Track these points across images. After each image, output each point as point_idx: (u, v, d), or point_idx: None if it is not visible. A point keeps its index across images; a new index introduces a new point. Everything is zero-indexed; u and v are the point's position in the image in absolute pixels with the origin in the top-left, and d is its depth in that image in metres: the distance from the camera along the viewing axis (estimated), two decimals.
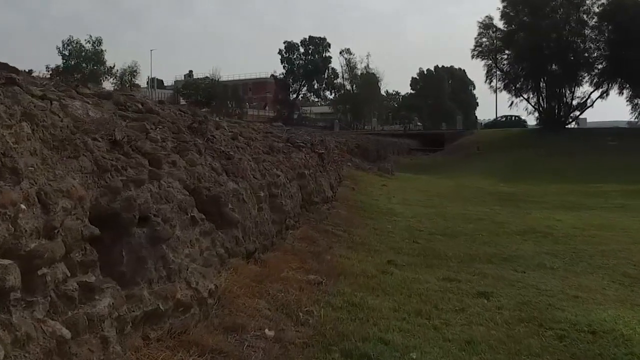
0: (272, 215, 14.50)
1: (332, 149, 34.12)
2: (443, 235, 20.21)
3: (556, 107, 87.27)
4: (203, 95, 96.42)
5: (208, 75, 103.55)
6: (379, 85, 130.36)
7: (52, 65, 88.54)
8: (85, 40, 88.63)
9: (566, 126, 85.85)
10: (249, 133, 18.04)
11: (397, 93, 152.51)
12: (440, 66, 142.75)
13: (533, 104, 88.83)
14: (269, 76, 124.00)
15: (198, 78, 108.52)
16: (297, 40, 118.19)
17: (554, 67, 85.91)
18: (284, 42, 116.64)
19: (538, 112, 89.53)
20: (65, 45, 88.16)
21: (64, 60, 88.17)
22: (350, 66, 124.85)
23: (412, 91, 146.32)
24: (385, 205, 25.93)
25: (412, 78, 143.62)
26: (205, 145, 11.81)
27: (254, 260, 11.92)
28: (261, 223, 12.72)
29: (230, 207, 10.89)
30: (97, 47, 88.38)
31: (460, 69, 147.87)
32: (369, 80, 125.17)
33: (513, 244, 18.63)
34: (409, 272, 13.62)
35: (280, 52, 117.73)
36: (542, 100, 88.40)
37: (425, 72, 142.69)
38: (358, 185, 34.28)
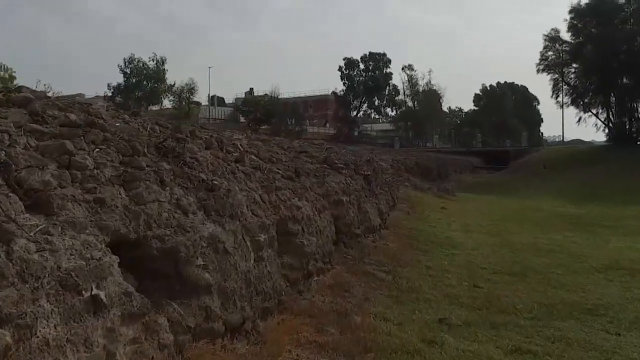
0: (285, 261, 11.10)
1: (385, 169, 29.79)
2: (510, 274, 16.39)
3: (627, 122, 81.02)
4: (262, 112, 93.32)
5: (267, 93, 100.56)
6: (441, 101, 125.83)
7: (114, 83, 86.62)
8: (149, 58, 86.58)
9: (638, 142, 79.44)
10: (269, 154, 14.20)
11: (460, 110, 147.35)
12: (502, 82, 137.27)
13: (602, 119, 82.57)
14: (329, 93, 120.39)
15: (258, 95, 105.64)
16: (358, 57, 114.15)
17: (624, 80, 79.99)
18: (344, 59, 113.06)
19: (607, 128, 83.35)
20: (127, 64, 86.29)
21: (125, 79, 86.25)
22: (411, 82, 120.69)
23: (475, 107, 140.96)
24: (443, 232, 22.02)
25: (475, 94, 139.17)
26: (175, 171, 7.92)
27: (244, 334, 8.00)
28: (259, 279, 8.83)
29: (199, 264, 6.94)
30: (160, 66, 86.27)
31: (522, 85, 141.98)
32: (431, 96, 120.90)
33: (596, 287, 14.93)
34: (465, 339, 9.87)
35: (340, 68, 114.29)
36: (612, 115, 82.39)
37: (489, 88, 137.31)
38: (414, 208, 29.97)
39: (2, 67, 57.27)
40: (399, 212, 26.90)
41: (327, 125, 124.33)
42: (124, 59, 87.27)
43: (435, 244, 20.54)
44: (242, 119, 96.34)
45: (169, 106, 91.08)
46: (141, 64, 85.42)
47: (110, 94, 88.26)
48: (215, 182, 9.14)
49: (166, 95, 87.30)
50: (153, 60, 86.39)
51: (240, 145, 13.75)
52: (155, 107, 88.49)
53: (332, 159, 18.31)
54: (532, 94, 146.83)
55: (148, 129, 9.69)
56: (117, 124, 9.00)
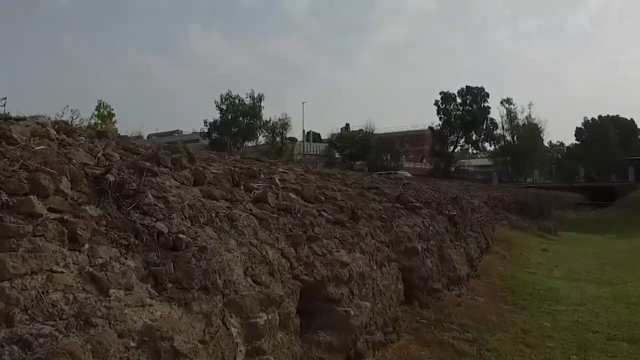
0: (322, 340, 7.99)
1: (478, 207, 25.58)
2: (630, 340, 12.11)
3: None
4: (357, 148, 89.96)
5: (362, 128, 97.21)
6: (541, 135, 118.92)
7: (210, 120, 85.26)
8: (246, 95, 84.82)
9: None
10: (320, 191, 10.71)
11: (561, 144, 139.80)
12: (604, 115, 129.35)
13: None
14: (425, 128, 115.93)
15: (353, 131, 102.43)
16: (454, 91, 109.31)
17: None
18: (440, 93, 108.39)
19: None
20: (223, 100, 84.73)
21: (221, 115, 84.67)
22: (510, 116, 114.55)
23: (577, 142, 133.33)
24: (544, 282, 18.25)
25: (577, 128, 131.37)
26: (112, 219, 4.62)
27: None
28: None
29: None
30: (256, 103, 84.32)
31: (630, 119, 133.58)
32: (531, 130, 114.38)
33: None
34: None
35: (436, 102, 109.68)
36: None
37: (590, 121, 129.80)
38: (511, 250, 25.63)
39: (102, 105, 55.97)
40: (494, 256, 22.78)
41: (424, 160, 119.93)
42: (221, 95, 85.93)
43: (535, 298, 16.37)
44: (337, 155, 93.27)
45: (264, 142, 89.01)
46: (237, 100, 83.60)
47: (206, 130, 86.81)
48: (182, 236, 5.65)
49: (261, 131, 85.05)
50: (250, 96, 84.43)
51: (279, 179, 10.22)
52: (250, 143, 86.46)
53: (406, 197, 14.56)
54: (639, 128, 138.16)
55: (99, 155, 6.28)
56: (37, 147, 5.64)
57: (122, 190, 5.92)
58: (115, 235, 5.47)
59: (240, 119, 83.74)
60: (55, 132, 6.66)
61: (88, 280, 4.88)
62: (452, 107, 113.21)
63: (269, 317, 6.36)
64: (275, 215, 8.17)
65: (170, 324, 5.16)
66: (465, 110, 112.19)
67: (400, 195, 14.98)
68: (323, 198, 10.83)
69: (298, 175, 12.89)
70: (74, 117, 9.51)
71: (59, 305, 4.48)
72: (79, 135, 7.10)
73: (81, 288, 4.76)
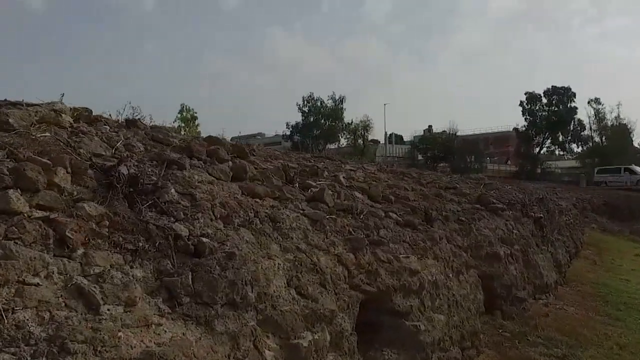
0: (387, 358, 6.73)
1: (567, 209, 23.85)
2: None
3: None
4: (440, 149, 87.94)
5: (445, 130, 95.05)
6: (631, 136, 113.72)
7: (292, 122, 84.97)
8: (328, 97, 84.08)
9: None
10: (390, 190, 9.59)
11: None
12: None
13: None
14: (510, 129, 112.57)
15: (436, 132, 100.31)
16: (540, 91, 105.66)
17: None
18: (526, 93, 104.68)
19: None
20: (305, 102, 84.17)
21: (303, 117, 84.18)
22: (598, 117, 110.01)
23: None
24: None
25: None
26: (119, 218, 3.82)
27: None
28: None
29: None
30: (338, 105, 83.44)
31: None
32: (620, 131, 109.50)
33: None
34: None
35: (521, 103, 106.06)
36: None
37: None
38: (602, 255, 23.83)
39: (185, 108, 56.25)
40: (583, 262, 21.13)
41: (509, 162, 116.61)
42: (303, 98, 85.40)
43: (630, 308, 14.87)
44: (419, 157, 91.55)
45: (346, 145, 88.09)
46: (319, 103, 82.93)
47: (288, 133, 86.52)
48: (205, 240, 4.59)
49: (343, 133, 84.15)
50: (331, 98, 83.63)
51: (344, 177, 9.11)
52: (332, 146, 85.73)
53: (487, 198, 13.21)
54: None
55: (118, 145, 5.31)
56: (39, 135, 4.69)
57: (136, 185, 4.90)
58: (120, 239, 4.45)
59: (322, 121, 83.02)
60: (71, 120, 5.72)
61: (74, 295, 3.87)
62: (537, 108, 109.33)
63: (316, 337, 5.26)
64: (333, 216, 7.06)
65: (183, 349, 4.11)
66: (551, 110, 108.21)
67: (481, 195, 13.66)
68: (393, 198, 9.67)
69: (368, 174, 11.76)
70: (134, 114, 8.80)
71: (26, 328, 3.46)
72: (104, 124, 6.17)
73: (62, 304, 3.75)
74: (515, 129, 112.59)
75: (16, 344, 3.40)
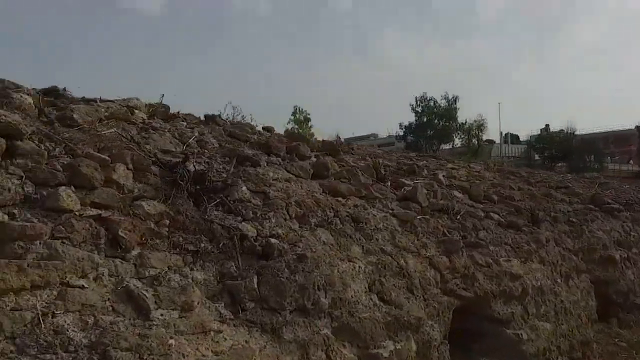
0: None
1: None
2: None
3: None
4: (558, 149, 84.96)
5: (563, 129, 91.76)
6: None
7: (405, 123, 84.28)
8: (441, 96, 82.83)
9: None
10: (494, 189, 9.05)
11: None
12: None
13: None
14: (632, 127, 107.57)
15: (553, 132, 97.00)
16: None
17: None
18: None
19: None
20: (418, 102, 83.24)
21: (416, 117, 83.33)
22: None
23: None
24: None
25: None
26: (183, 217, 3.60)
27: None
28: None
29: None
30: (451, 104, 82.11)
31: None
32: None
33: None
34: None
35: None
36: None
37: None
38: None
39: (298, 110, 56.83)
40: None
41: (631, 162, 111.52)
42: (416, 98, 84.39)
43: None
44: (536, 157, 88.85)
45: (460, 145, 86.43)
46: (432, 102, 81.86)
47: (401, 133, 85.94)
48: (273, 241, 4.22)
49: (457, 133, 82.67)
50: (445, 98, 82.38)
51: (444, 176, 8.63)
52: (446, 146, 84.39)
53: (602, 198, 12.30)
54: None
55: (190, 141, 5.05)
56: (105, 131, 4.48)
57: (203, 183, 4.60)
58: (181, 239, 4.16)
59: (436, 121, 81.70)
60: (144, 116, 5.51)
61: (123, 298, 3.58)
62: None
63: (398, 347, 4.82)
64: (426, 217, 6.59)
65: (245, 358, 3.74)
66: None
67: (596, 195, 12.73)
68: (496, 197, 9.06)
69: (472, 172, 11.15)
70: (235, 114, 8.65)
71: (65, 333, 3.18)
72: (182, 121, 5.94)
73: (109, 309, 3.46)
74: (638, 127, 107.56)
75: (53, 350, 3.13)
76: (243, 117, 7.86)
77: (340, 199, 5.88)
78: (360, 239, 5.45)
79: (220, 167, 5.08)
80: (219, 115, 6.33)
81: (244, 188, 4.99)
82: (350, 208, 5.78)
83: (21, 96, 4.64)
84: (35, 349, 3.09)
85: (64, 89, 5.54)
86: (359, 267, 5.10)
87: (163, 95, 6.26)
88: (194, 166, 4.77)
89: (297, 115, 59.68)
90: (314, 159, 6.19)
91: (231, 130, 6.00)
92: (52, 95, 5.22)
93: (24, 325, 3.13)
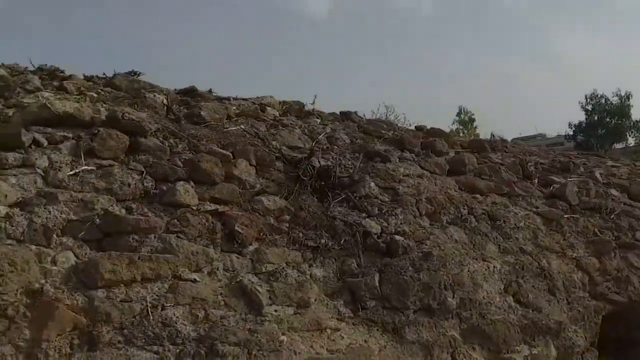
0: None
1: None
2: None
3: None
4: None
5: None
6: None
7: (575, 122, 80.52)
8: (612, 93, 78.29)
9: None
10: None
11: None
12: None
13: None
14: None
15: None
16: None
17: None
18: None
19: None
20: (588, 100, 79.05)
21: (587, 116, 79.19)
22: None
23: None
24: None
25: None
26: (303, 213, 3.83)
27: None
28: None
29: None
30: (624, 102, 77.41)
31: None
32: None
33: None
34: None
35: None
36: None
37: None
38: None
39: (462, 111, 55.95)
40: None
41: None
42: (585, 96, 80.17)
43: None
44: None
45: (634, 144, 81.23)
46: (603, 100, 77.48)
47: (571, 133, 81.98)
48: (398, 238, 4.07)
49: (631, 132, 77.68)
50: (617, 95, 77.74)
51: (601, 174, 8.07)
52: (619, 145, 79.57)
53: None
54: None
55: (320, 137, 5.00)
56: (231, 127, 4.52)
57: (328, 178, 4.50)
58: (301, 235, 4.07)
59: (607, 119, 77.28)
60: (276, 113, 5.50)
61: (236, 293, 3.54)
62: None
63: (534, 352, 4.48)
64: (576, 216, 6.14)
65: (362, 358, 3.61)
66: None
67: None
68: None
69: (634, 171, 10.32)
70: (387, 114, 8.53)
71: (174, 326, 3.18)
72: (316, 117, 5.87)
73: (221, 303, 3.44)
74: None
75: (160, 342, 3.14)
76: (396, 117, 7.68)
77: (477, 195, 5.58)
78: (497, 238, 5.14)
79: (349, 163, 4.96)
80: (355, 112, 6.21)
81: (372, 184, 4.84)
82: (487, 205, 5.47)
83: (154, 95, 4.76)
84: (143, 340, 3.10)
85: (210, 90, 5.63)
86: (494, 267, 4.80)
87: (316, 97, 6.25)
88: (319, 162, 4.69)
89: (462, 116, 58.52)
90: (451, 155, 5.92)
91: (365, 126, 5.86)
92: (190, 95, 5.31)
93: (132, 317, 3.15)
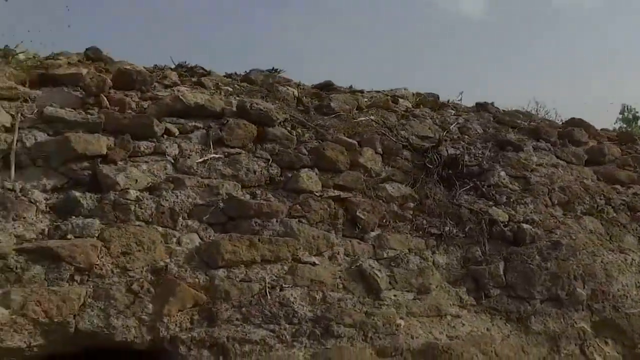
0: None
1: None
2: None
3: None
4: None
5: None
6: None
7: None
8: None
9: None
10: None
11: None
12: None
13: None
14: None
15: None
16: None
17: None
18: None
19: None
20: None
21: None
22: None
23: None
24: None
25: None
26: (430, 201, 4.29)
27: None
28: None
29: None
30: None
31: None
32: None
33: None
34: None
35: None
36: None
37: None
38: None
39: (626, 108, 52.70)
40: None
41: None
42: None
43: None
44: None
45: None
46: None
47: None
48: (526, 227, 4.06)
49: None
50: None
51: None
52: None
53: None
54: None
55: (451, 127, 4.99)
56: (360, 118, 4.62)
57: (456, 167, 4.47)
58: (424, 222, 4.07)
59: None
60: (409, 105, 5.47)
61: (355, 277, 3.60)
62: None
63: None
64: None
65: (482, 345, 3.61)
66: None
67: None
68: None
69: None
70: (538, 109, 8.18)
71: (291, 306, 3.29)
72: (450, 109, 5.79)
73: (339, 286, 3.52)
74: None
75: (277, 321, 3.26)
76: (547, 113, 7.43)
77: (617, 186, 5.29)
78: (636, 230, 4.88)
79: (479, 152, 4.87)
80: (492, 103, 6.05)
81: (502, 173, 4.73)
82: (627, 196, 5.18)
83: (287, 89, 4.89)
84: (260, 319, 3.23)
85: (350, 87, 5.69)
86: (632, 259, 4.57)
87: (462, 93, 6.18)
88: (446, 150, 4.64)
89: (626, 114, 55.45)
90: (590, 145, 5.65)
91: (500, 116, 5.70)
92: (325, 89, 5.41)
93: (251, 296, 3.29)
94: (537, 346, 3.84)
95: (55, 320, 2.87)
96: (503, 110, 6.04)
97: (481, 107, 6.05)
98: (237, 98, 4.38)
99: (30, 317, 2.82)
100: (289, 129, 4.29)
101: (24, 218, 3.14)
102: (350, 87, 5.72)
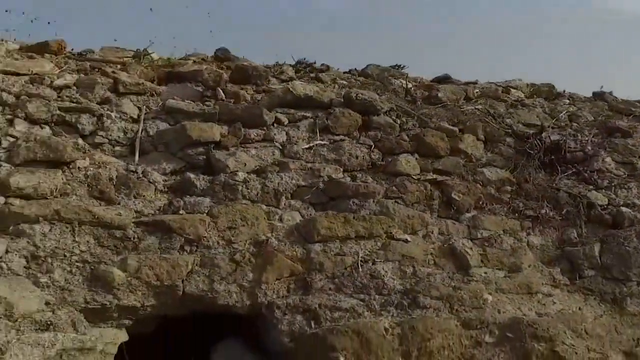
0: None
1: None
2: None
3: None
4: None
5: None
6: None
7: None
8: None
9: None
10: None
11: None
12: None
13: None
14: None
15: None
16: None
17: None
18: None
19: None
20: None
21: None
22: None
23: None
24: None
25: None
26: (534, 184, 4.40)
27: None
28: None
29: None
30: None
31: None
32: None
33: None
34: None
35: None
36: None
37: None
38: None
39: None
40: None
41: None
42: None
43: None
44: None
45: None
46: None
47: None
48: (624, 210, 4.14)
49: None
50: None
51: None
52: None
53: None
54: None
55: (560, 115, 5.06)
56: (467, 107, 4.79)
57: (559, 152, 4.52)
58: (521, 205, 4.19)
59: None
60: (521, 95, 5.52)
61: (445, 254, 3.79)
62: None
63: None
64: None
65: (572, 323, 3.70)
66: None
67: None
68: None
69: None
70: None
71: (381, 278, 3.54)
72: (566, 99, 5.75)
73: (430, 262, 3.73)
74: None
75: (367, 291, 3.52)
76: None
77: None
78: None
79: (585, 139, 4.85)
80: (610, 92, 5.92)
81: (608, 159, 4.70)
82: None
83: (400, 82, 5.12)
84: (351, 289, 3.51)
85: (476, 81, 5.78)
86: None
87: (602, 87, 6.11)
88: (549, 137, 4.68)
89: None
90: None
91: (615, 104, 5.60)
92: (443, 82, 5.55)
93: (344, 269, 3.57)
94: (632, 327, 3.86)
95: (166, 283, 3.26)
96: (620, 99, 5.93)
97: (598, 96, 5.99)
98: (350, 90, 4.64)
99: (143, 279, 3.23)
100: (393, 117, 4.51)
101: (144, 196, 3.57)
102: (476, 81, 5.82)
